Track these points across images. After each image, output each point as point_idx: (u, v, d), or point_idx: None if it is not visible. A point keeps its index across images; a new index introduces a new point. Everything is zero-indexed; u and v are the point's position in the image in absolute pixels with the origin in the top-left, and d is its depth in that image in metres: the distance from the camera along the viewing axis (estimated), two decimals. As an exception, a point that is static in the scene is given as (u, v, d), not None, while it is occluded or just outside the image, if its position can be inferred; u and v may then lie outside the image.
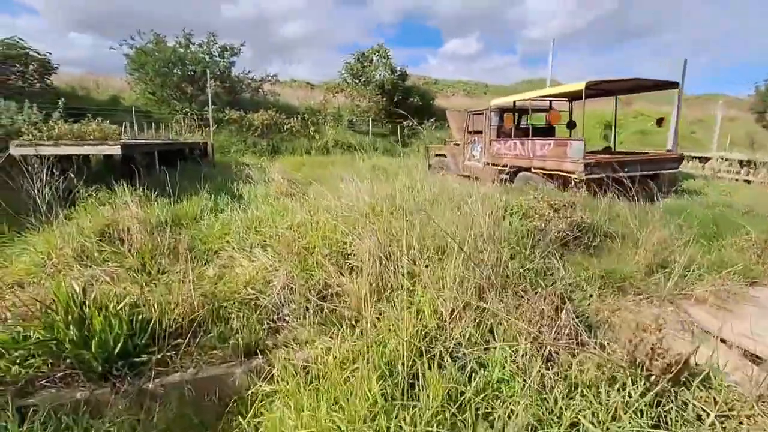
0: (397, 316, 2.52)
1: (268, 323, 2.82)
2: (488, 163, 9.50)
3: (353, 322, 2.65)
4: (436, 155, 12.04)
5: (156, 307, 2.80)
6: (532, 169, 7.96)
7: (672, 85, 7.28)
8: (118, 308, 2.58)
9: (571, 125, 8.80)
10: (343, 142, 16.80)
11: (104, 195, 5.06)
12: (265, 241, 3.95)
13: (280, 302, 3.00)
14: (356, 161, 14.94)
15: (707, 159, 12.71)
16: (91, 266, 3.45)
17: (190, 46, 16.71)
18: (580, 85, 6.65)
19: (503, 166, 8.94)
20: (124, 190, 5.00)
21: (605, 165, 6.91)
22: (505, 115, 9.88)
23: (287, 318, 2.86)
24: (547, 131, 9.76)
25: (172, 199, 5.11)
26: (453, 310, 2.38)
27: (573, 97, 9.05)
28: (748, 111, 28.62)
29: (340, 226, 3.74)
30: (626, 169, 7.15)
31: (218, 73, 16.98)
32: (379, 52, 19.07)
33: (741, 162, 11.43)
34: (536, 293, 2.54)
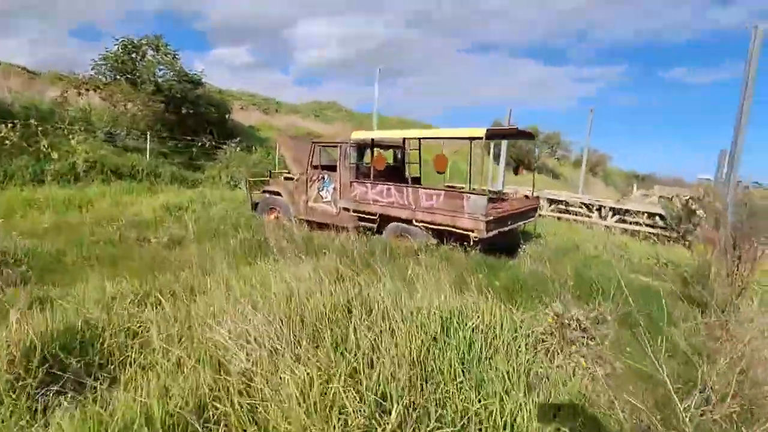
0: None
1: None
2: (346, 209, 7.66)
3: None
4: (265, 191, 9.32)
5: None
6: (414, 222, 6.61)
7: (530, 136, 7.35)
8: None
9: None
10: (103, 164, 11.53)
11: None
12: None
13: None
14: (133, 196, 10.33)
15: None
16: None
17: None
18: (480, 131, 5.74)
19: (371, 214, 7.30)
20: None
21: (500, 220, 6.23)
22: (368, 151, 8.30)
23: None
24: (398, 171, 8.73)
25: None
26: None
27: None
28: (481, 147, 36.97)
29: None
30: (510, 222, 6.73)
31: None
32: (157, 46, 14.30)
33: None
34: None
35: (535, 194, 7.89)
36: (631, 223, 11.49)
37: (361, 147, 7.95)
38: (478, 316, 2.77)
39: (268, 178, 9.84)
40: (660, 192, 23.74)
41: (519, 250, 7.41)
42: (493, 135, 6.14)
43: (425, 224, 6.47)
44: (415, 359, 2.30)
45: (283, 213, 8.73)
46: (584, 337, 2.84)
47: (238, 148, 14.67)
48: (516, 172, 7.71)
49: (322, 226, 8.37)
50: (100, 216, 7.98)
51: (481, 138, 5.84)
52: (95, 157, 11.35)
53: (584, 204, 12.51)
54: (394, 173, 8.52)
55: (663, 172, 39.13)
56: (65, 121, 12.51)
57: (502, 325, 2.74)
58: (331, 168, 8.43)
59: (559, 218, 12.32)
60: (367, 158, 8.33)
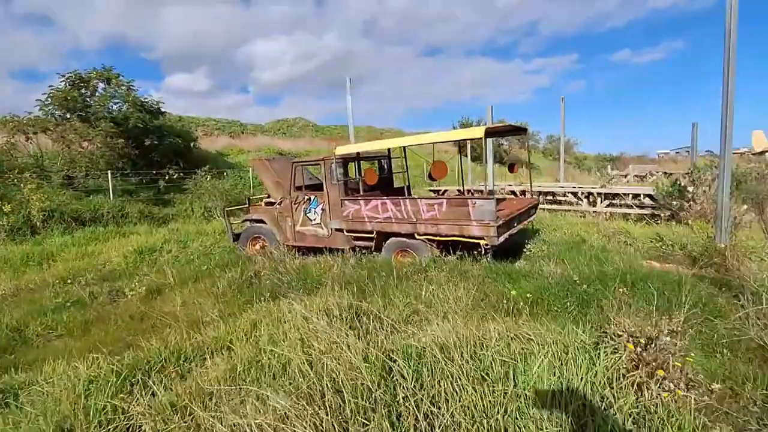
0: None
1: None
2: (339, 230, 7.12)
3: None
4: (245, 220, 8.66)
5: None
6: (416, 236, 6.14)
7: (523, 131, 7.03)
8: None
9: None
10: (62, 211, 10.55)
11: None
12: None
13: None
14: (100, 243, 9.42)
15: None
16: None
17: None
18: (479, 131, 5.36)
19: (368, 232, 6.79)
20: None
21: (507, 222, 5.84)
22: (352, 165, 7.78)
23: None
24: (387, 183, 8.27)
25: None
26: None
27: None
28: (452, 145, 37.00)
29: None
30: (515, 224, 6.36)
31: None
32: (107, 77, 13.36)
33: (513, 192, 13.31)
34: None
35: (523, 189, 7.57)
36: (621, 206, 11.40)
37: (347, 162, 7.45)
38: (548, 352, 2.31)
39: (247, 206, 9.16)
40: (634, 171, 24.30)
41: (524, 250, 7.06)
42: (490, 133, 5.77)
43: (429, 237, 6.01)
44: (496, 428, 1.81)
45: (269, 242, 8.09)
46: (665, 358, 2.42)
47: (209, 177, 13.85)
48: (512, 170, 7.37)
49: (314, 250, 7.80)
50: (64, 272, 7.12)
51: (480, 138, 5.47)
52: (52, 205, 10.35)
53: (572, 193, 12.39)
54: (383, 185, 8.06)
55: (630, 151, 40.33)
56: (14, 169, 11.44)
57: (576, 360, 2.28)
58: (316, 188, 7.89)
59: (549, 210, 12.12)
60: (352, 173, 7.83)
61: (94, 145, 13.20)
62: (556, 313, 4.01)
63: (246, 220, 8.65)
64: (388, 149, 8.13)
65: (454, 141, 6.66)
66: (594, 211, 11.26)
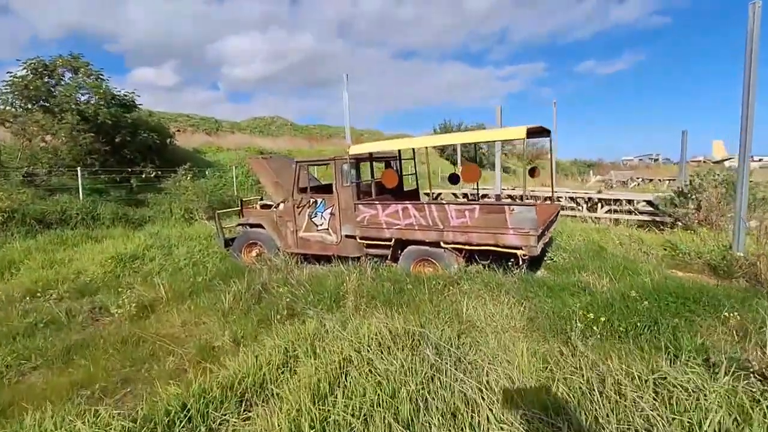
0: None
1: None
2: (350, 236, 6.50)
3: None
4: (240, 224, 7.88)
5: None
6: (443, 244, 5.63)
7: (549, 132, 6.68)
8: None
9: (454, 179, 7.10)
10: (24, 212, 9.36)
11: None
12: None
13: None
14: (70, 249, 8.33)
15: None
16: None
17: None
18: (522, 131, 4.93)
19: (384, 240, 6.21)
20: None
21: (542, 231, 5.42)
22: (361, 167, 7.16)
23: None
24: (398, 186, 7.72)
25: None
26: None
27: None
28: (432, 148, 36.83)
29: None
30: (546, 232, 5.96)
31: None
32: (75, 66, 12.09)
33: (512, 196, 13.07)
34: None
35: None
36: (621, 211, 11.36)
37: (359, 162, 6.85)
38: (718, 401, 1.83)
39: (239, 209, 8.36)
40: (616, 177, 24.86)
41: (544, 258, 6.71)
42: (530, 134, 5.36)
43: (457, 245, 5.51)
44: None
45: (267, 248, 7.35)
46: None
47: (190, 176, 12.82)
48: (532, 174, 7.02)
49: (318, 258, 7.15)
50: (30, 283, 6.12)
51: (523, 138, 5.04)
52: (12, 205, 9.16)
53: (571, 197, 12.27)
54: (394, 188, 7.52)
55: (604, 157, 41.62)
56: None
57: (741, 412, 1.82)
58: (321, 189, 7.25)
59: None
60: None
61: (59, 140, 11.92)
62: (623, 336, 3.58)
63: (241, 225, 7.88)
64: (399, 151, 7.59)
65: (491, 142, 6.22)
66: (595, 217, 11.14)
